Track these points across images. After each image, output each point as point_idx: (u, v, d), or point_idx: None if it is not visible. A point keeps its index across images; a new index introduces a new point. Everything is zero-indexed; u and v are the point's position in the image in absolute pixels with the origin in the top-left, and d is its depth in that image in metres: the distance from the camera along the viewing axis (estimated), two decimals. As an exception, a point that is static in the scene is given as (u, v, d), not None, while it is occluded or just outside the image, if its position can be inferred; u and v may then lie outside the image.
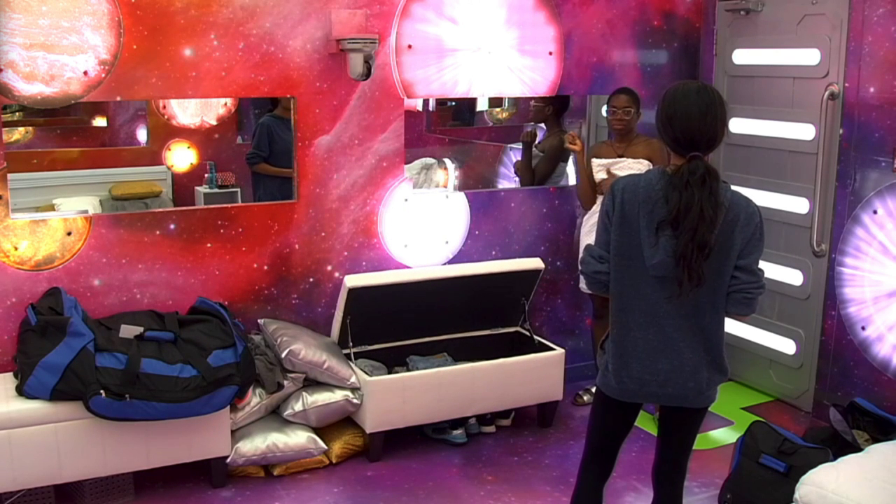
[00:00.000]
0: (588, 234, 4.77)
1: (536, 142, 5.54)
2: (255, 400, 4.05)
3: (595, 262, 2.85)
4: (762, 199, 5.06)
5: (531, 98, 5.38)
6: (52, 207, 5.03)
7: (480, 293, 4.69)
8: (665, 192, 2.67)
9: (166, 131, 5.53)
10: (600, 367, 2.99)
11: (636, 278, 2.78)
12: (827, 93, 4.56)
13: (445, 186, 5.71)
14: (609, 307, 2.97)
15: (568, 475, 4.21)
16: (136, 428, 3.71)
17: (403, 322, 4.62)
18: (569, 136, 4.82)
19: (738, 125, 5.21)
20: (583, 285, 4.85)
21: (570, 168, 5.40)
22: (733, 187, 2.81)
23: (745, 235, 2.73)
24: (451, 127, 6.73)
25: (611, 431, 3.08)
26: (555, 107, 5.39)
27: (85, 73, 3.90)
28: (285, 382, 4.11)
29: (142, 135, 5.65)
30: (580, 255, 2.92)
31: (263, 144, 5.21)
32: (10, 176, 3.87)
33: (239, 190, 5.57)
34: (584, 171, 4.77)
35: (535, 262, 4.80)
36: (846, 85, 4.53)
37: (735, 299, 2.77)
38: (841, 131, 4.57)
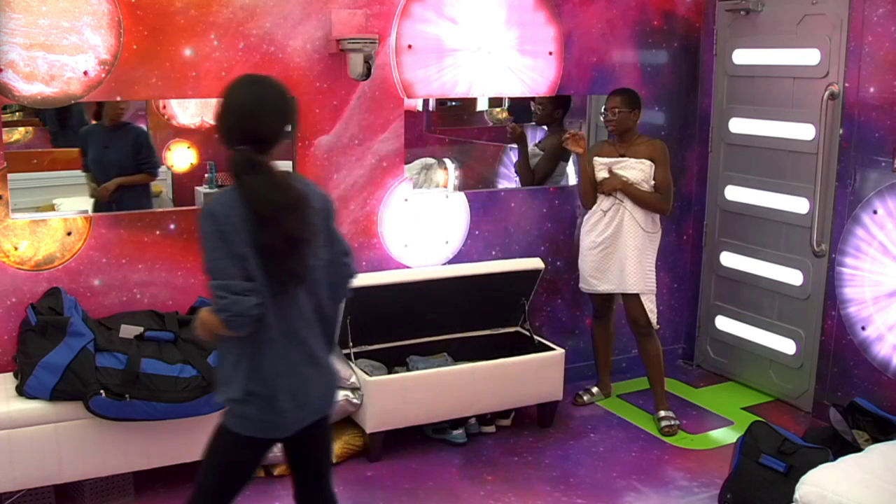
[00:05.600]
0: (588, 233, 4.77)
1: (537, 141, 5.54)
2: (255, 400, 4.05)
3: (242, 296, 2.45)
4: (762, 199, 5.07)
5: (531, 98, 5.37)
6: (52, 207, 5.03)
7: (480, 293, 4.69)
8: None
9: (166, 131, 5.52)
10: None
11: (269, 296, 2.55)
12: (827, 93, 4.56)
13: (445, 186, 5.71)
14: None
15: (568, 475, 4.21)
16: (136, 428, 3.71)
17: (403, 322, 4.62)
18: (570, 137, 4.81)
19: (738, 125, 5.21)
20: (583, 285, 4.87)
21: (571, 168, 5.40)
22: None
23: (331, 221, 2.70)
24: (452, 127, 6.73)
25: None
26: (564, 109, 5.39)
27: (85, 73, 3.90)
28: (285, 382, 4.10)
29: (142, 135, 5.65)
30: (224, 296, 2.44)
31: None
32: (10, 176, 3.87)
33: (239, 190, 5.55)
34: (585, 171, 4.76)
35: (535, 262, 4.80)
36: (846, 85, 4.53)
37: (347, 283, 2.76)
38: (841, 131, 4.57)
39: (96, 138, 4.95)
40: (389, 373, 4.45)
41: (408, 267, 4.74)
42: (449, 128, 6.54)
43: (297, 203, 2.51)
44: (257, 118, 2.53)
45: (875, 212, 4.43)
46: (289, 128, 2.63)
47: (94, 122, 5.09)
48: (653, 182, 4.61)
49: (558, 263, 5.20)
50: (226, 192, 2.54)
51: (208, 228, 2.48)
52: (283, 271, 2.50)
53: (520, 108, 6.00)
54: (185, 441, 3.82)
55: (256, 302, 2.45)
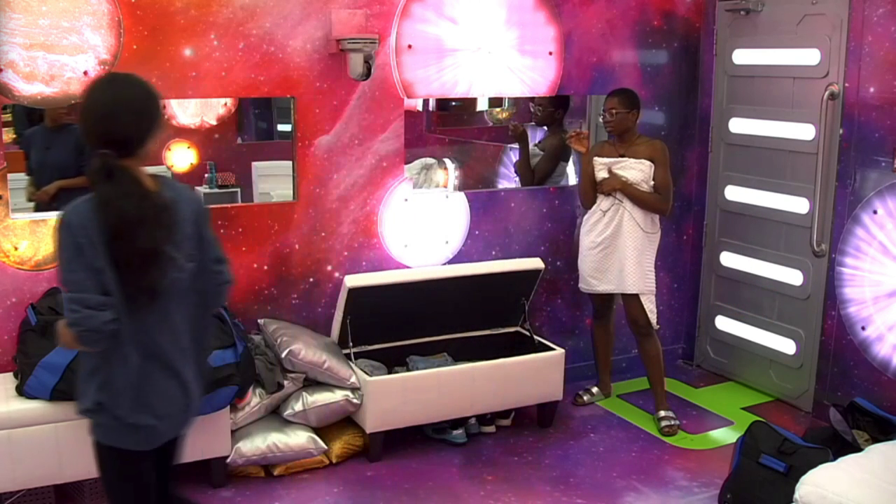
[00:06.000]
0: (587, 233, 4.78)
1: (537, 141, 5.54)
2: (255, 400, 4.05)
3: (96, 311, 2.32)
4: (762, 199, 5.07)
5: (531, 98, 5.37)
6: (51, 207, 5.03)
7: (480, 293, 4.69)
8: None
9: (166, 131, 5.51)
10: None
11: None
12: (827, 93, 4.56)
13: (445, 186, 5.71)
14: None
15: (568, 475, 4.21)
16: (136, 428, 3.70)
17: (403, 322, 4.62)
18: (573, 136, 4.82)
19: (738, 125, 5.21)
20: (583, 285, 4.87)
21: (571, 168, 5.40)
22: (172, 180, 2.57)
23: (203, 227, 2.58)
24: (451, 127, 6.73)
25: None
26: (563, 109, 5.39)
27: (85, 73, 3.90)
28: (285, 382, 4.11)
29: (142, 135, 5.64)
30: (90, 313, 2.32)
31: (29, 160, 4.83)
32: (10, 176, 3.87)
33: (239, 190, 5.56)
34: (586, 170, 4.77)
35: (535, 262, 4.80)
36: (846, 85, 4.53)
37: (220, 292, 2.67)
38: (841, 131, 4.57)
39: (38, 140, 4.78)
40: (389, 373, 4.45)
41: (408, 267, 4.74)
42: (449, 128, 6.54)
43: (155, 214, 2.38)
44: (116, 119, 2.38)
45: (875, 212, 4.43)
46: (156, 129, 2.46)
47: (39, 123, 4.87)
48: (652, 182, 4.61)
49: (558, 263, 5.20)
50: (83, 202, 2.38)
51: (64, 240, 2.36)
52: (138, 286, 2.38)
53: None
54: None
55: (111, 318, 2.33)
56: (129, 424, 2.47)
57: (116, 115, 2.39)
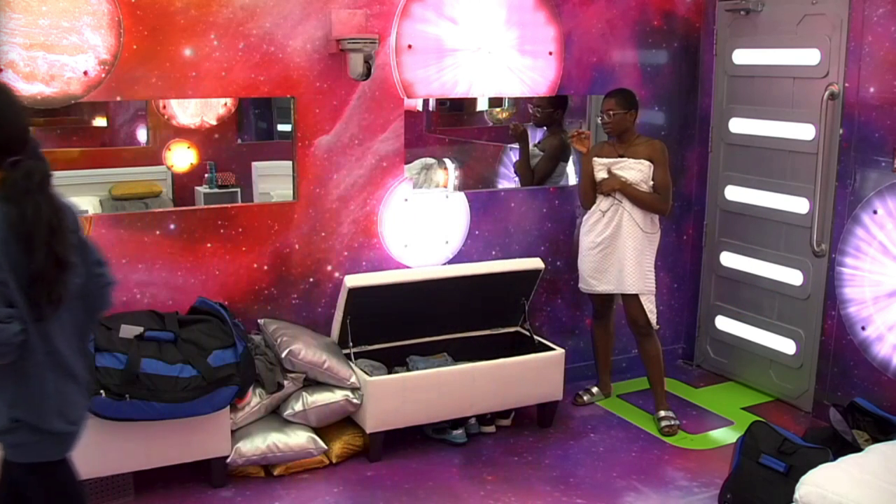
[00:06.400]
0: (587, 233, 4.78)
1: (536, 141, 5.54)
2: (255, 400, 4.05)
3: (4, 324, 2.27)
4: (762, 199, 5.08)
5: (531, 98, 5.37)
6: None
7: (480, 293, 4.69)
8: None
9: (166, 131, 5.52)
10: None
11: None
12: (827, 93, 4.56)
13: (445, 186, 5.71)
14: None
15: (568, 475, 4.21)
16: (136, 428, 3.71)
17: (403, 322, 4.62)
18: (575, 135, 4.83)
19: (738, 125, 5.21)
20: (582, 285, 4.87)
21: (571, 168, 5.40)
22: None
23: (81, 232, 2.53)
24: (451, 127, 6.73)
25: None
26: (562, 109, 5.39)
27: (85, 73, 3.90)
28: (285, 382, 4.11)
29: (142, 135, 5.65)
30: None
31: None
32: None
33: (239, 190, 5.56)
34: (586, 170, 4.77)
35: (535, 262, 4.80)
36: (846, 85, 4.53)
37: (104, 294, 2.64)
38: (841, 131, 4.57)
39: None
40: (389, 373, 4.45)
41: (408, 267, 4.74)
42: (449, 128, 6.54)
43: (67, 223, 2.36)
44: (14, 123, 2.35)
45: (875, 212, 4.43)
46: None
47: None
48: (652, 182, 4.61)
49: (558, 263, 5.20)
50: None
51: None
52: (47, 295, 2.33)
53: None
54: (185, 441, 3.83)
55: (19, 329, 2.29)
56: (54, 435, 2.45)
57: (22, 119, 2.36)
